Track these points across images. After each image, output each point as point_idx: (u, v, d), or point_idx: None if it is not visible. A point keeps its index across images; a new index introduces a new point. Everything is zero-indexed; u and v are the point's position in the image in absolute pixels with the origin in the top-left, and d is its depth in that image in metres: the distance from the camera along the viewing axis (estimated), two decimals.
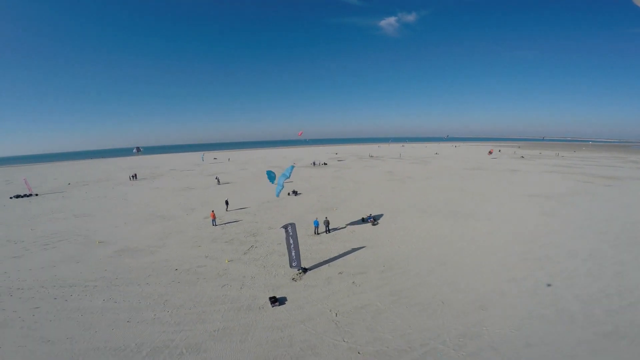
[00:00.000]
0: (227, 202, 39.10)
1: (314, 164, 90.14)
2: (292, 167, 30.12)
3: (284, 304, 16.91)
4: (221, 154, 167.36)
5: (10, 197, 52.79)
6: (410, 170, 73.30)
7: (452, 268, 20.79)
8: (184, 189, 55.54)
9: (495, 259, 21.96)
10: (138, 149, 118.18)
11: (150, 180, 68.48)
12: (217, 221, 32.92)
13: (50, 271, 21.73)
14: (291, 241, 20.19)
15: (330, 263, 21.87)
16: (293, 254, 20.27)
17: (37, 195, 54.52)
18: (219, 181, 61.19)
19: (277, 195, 29.26)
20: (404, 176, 63.08)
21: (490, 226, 29.34)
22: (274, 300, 16.84)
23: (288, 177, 28.59)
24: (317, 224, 28.18)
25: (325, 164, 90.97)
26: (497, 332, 14.24)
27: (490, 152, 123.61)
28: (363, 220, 31.08)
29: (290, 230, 20.19)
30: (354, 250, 24.05)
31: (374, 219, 30.82)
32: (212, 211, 33.07)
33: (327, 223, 28.75)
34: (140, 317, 15.83)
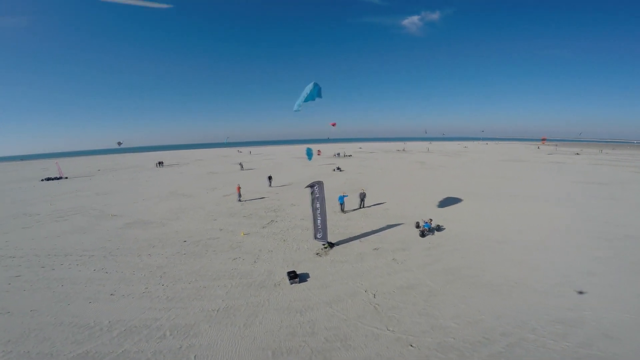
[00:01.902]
0: (270, 178, 36.79)
1: (338, 154, 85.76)
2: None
3: (306, 281, 13.04)
4: (244, 149, 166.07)
5: (41, 180, 52.52)
6: (443, 160, 67.39)
7: (515, 247, 16.24)
8: (208, 173, 53.33)
9: (566, 239, 17.20)
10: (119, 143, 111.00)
11: (176, 167, 67.12)
12: (233, 198, 29.83)
13: (52, 241, 19.02)
14: (317, 205, 16.24)
15: (362, 239, 17.76)
16: (319, 222, 16.32)
17: (66, 178, 54.10)
18: (242, 167, 58.84)
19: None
20: (436, 165, 57.66)
21: (548, 208, 24.17)
22: (293, 276, 12.99)
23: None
24: (342, 200, 23.98)
25: (349, 155, 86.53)
26: (606, 317, 9.90)
27: (543, 141, 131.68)
28: (418, 226, 19.25)
29: (317, 190, 16.22)
30: (390, 226, 19.81)
31: (429, 229, 18.64)
32: (238, 185, 30.22)
33: (363, 196, 24.67)
34: (128, 291, 12.39)
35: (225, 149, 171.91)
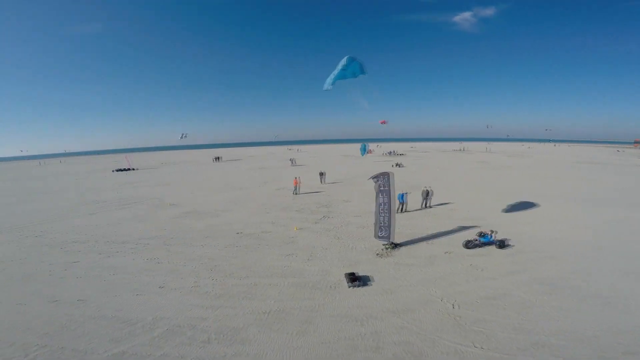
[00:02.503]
0: (322, 174, 34.80)
1: (391, 153, 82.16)
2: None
3: (368, 284, 11.21)
4: (293, 147, 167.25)
5: (113, 171, 57.26)
6: (507, 161, 60.93)
7: (618, 255, 13.03)
8: (260, 168, 53.84)
9: None
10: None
11: (231, 162, 69.06)
12: (284, 192, 29.00)
13: (112, 228, 19.35)
14: (382, 199, 14.28)
15: (430, 241, 15.45)
16: (383, 219, 14.37)
17: (134, 169, 58.19)
18: (292, 162, 58.71)
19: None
20: (501, 165, 52.11)
21: None
22: (354, 279, 11.23)
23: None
24: (402, 199, 21.56)
25: (402, 154, 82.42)
26: None
27: (636, 144, 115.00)
28: (481, 235, 14.78)
29: (381, 183, 14.23)
30: (462, 228, 17.17)
31: (499, 243, 14.37)
32: (295, 178, 29.52)
33: (428, 193, 22.15)
34: (177, 284, 11.52)
35: (274, 147, 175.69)
